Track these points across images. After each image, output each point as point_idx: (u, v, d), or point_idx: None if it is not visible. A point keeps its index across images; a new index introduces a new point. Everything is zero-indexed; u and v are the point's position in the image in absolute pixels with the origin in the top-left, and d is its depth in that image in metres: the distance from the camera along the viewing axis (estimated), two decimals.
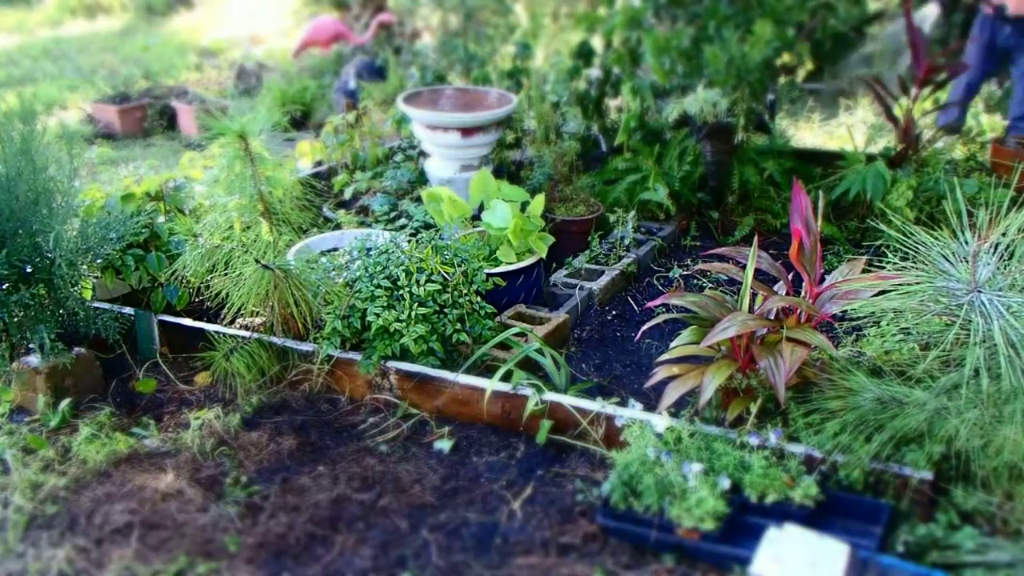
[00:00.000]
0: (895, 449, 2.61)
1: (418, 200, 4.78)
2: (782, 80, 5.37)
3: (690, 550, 2.48)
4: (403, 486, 2.86)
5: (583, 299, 4.00)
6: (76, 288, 3.48)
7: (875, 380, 2.77)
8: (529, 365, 3.30)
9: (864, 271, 3.00)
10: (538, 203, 4.12)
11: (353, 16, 9.43)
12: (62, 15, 12.61)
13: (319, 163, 5.56)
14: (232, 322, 3.57)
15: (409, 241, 3.59)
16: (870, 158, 4.73)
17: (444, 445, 3.05)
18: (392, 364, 3.27)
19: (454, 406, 3.22)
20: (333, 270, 3.50)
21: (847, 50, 5.40)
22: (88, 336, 3.49)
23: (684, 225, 4.88)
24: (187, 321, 3.64)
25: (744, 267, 3.01)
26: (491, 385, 3.11)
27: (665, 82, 5.00)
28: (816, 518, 2.51)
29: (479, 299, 3.47)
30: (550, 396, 3.06)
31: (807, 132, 6.68)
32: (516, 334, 3.44)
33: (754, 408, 2.83)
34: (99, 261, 3.60)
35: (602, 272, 4.20)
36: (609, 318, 4.00)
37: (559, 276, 4.17)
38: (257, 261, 3.31)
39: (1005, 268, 2.69)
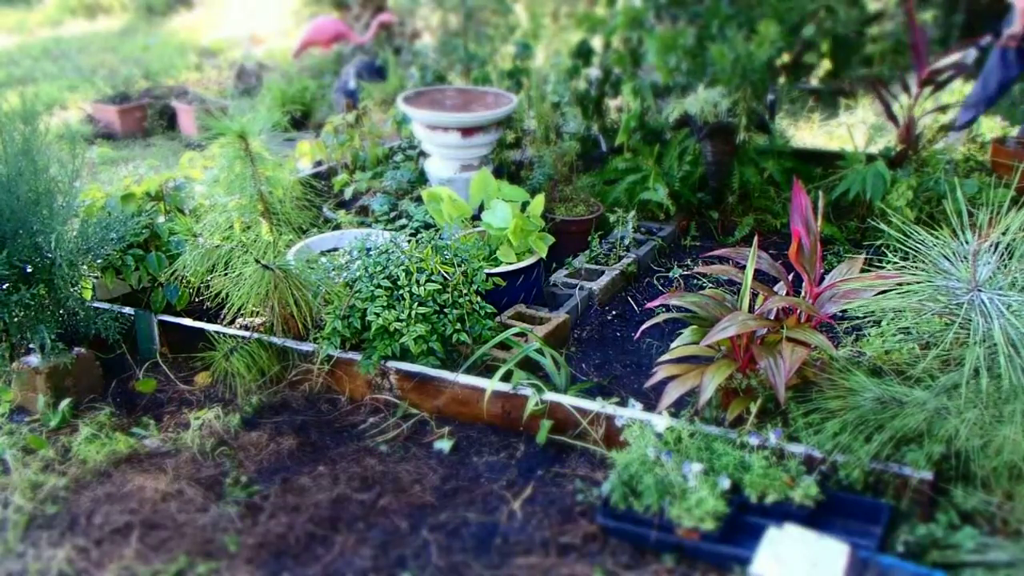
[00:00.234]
0: (895, 449, 2.61)
1: (418, 200, 4.79)
2: (782, 80, 5.37)
3: (690, 550, 2.48)
4: (403, 486, 2.86)
5: (583, 299, 4.00)
6: (76, 288, 3.48)
7: (875, 380, 2.77)
8: (529, 365, 3.31)
9: (863, 270, 2.99)
10: (538, 203, 4.13)
11: (353, 16, 9.43)
12: (62, 15, 12.62)
13: (319, 163, 5.56)
14: (232, 322, 3.57)
15: (409, 241, 3.59)
16: (870, 158, 4.74)
17: (444, 445, 3.05)
18: (392, 364, 3.27)
19: (454, 406, 3.22)
20: (333, 270, 3.50)
21: (851, 52, 5.41)
22: (88, 336, 3.49)
23: (684, 225, 4.88)
24: (187, 321, 3.64)
25: (744, 269, 3.01)
26: (491, 385, 3.11)
27: (668, 80, 5.00)
28: (816, 518, 2.51)
29: (479, 299, 3.47)
30: (550, 396, 3.06)
31: (807, 132, 6.68)
32: (516, 334, 3.44)
33: (754, 408, 2.83)
34: (99, 261, 3.60)
35: (602, 272, 4.20)
36: (609, 318, 4.00)
37: (559, 276, 4.17)
38: (257, 261, 3.31)
39: (1005, 267, 2.69)
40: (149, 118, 7.50)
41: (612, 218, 4.51)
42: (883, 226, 3.04)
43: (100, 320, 3.46)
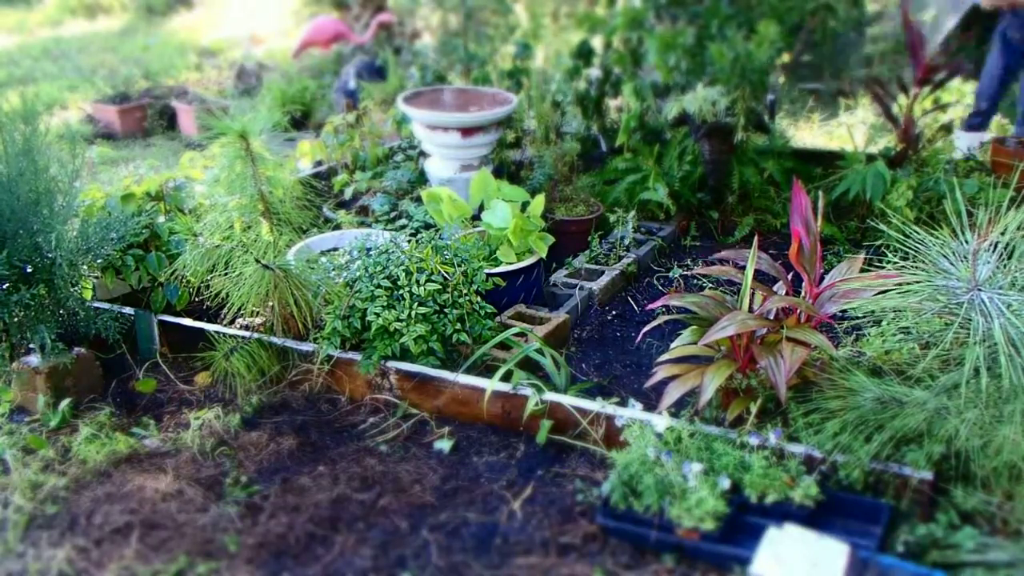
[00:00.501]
0: (895, 449, 2.61)
1: (418, 200, 4.79)
2: (781, 80, 5.38)
3: (690, 550, 2.48)
4: (403, 486, 2.86)
5: (583, 299, 4.00)
6: (76, 288, 3.49)
7: (875, 380, 2.77)
8: (529, 365, 3.31)
9: (863, 270, 2.99)
10: (538, 203, 4.13)
11: (353, 16, 9.43)
12: (62, 15, 12.62)
13: (319, 163, 5.56)
14: (232, 322, 3.57)
15: (409, 241, 3.59)
16: (870, 158, 4.74)
17: (444, 445, 3.05)
18: (392, 364, 3.27)
19: (454, 406, 3.22)
20: (333, 270, 3.50)
21: (849, 51, 5.43)
22: (88, 336, 3.50)
23: (684, 225, 4.88)
24: (187, 321, 3.64)
25: (744, 269, 3.01)
26: (491, 385, 3.11)
27: (668, 79, 5.00)
28: (816, 518, 2.51)
29: (479, 299, 3.47)
30: (550, 396, 3.07)
31: (807, 132, 6.68)
32: (516, 334, 3.44)
33: (754, 408, 2.83)
34: (99, 261, 3.60)
35: (602, 272, 4.20)
36: (609, 318, 4.00)
37: (559, 276, 4.17)
38: (257, 261, 3.31)
39: (1005, 266, 2.69)
40: (149, 118, 7.51)
41: (612, 218, 4.51)
42: (883, 226, 3.04)
43: (100, 320, 3.46)
